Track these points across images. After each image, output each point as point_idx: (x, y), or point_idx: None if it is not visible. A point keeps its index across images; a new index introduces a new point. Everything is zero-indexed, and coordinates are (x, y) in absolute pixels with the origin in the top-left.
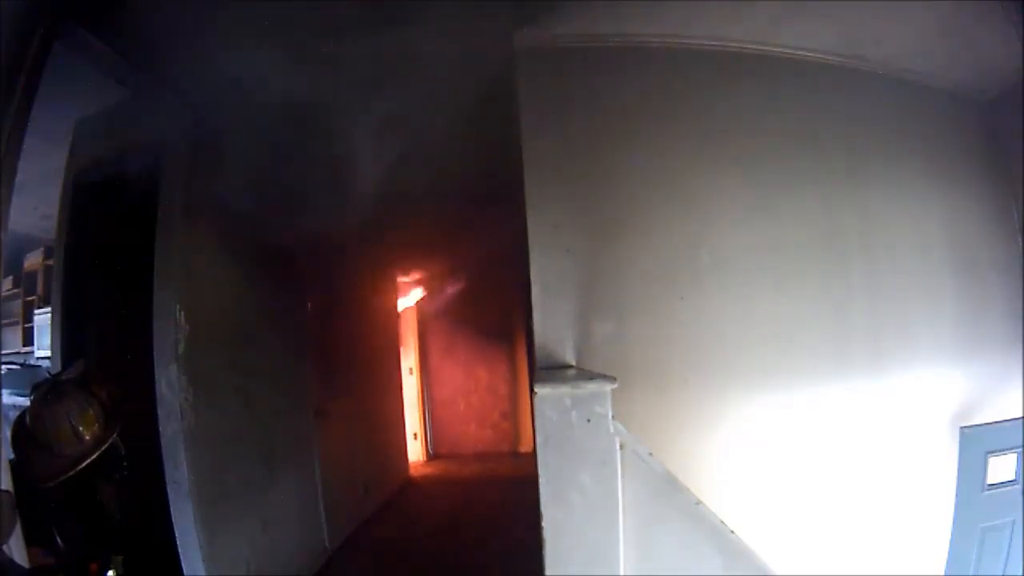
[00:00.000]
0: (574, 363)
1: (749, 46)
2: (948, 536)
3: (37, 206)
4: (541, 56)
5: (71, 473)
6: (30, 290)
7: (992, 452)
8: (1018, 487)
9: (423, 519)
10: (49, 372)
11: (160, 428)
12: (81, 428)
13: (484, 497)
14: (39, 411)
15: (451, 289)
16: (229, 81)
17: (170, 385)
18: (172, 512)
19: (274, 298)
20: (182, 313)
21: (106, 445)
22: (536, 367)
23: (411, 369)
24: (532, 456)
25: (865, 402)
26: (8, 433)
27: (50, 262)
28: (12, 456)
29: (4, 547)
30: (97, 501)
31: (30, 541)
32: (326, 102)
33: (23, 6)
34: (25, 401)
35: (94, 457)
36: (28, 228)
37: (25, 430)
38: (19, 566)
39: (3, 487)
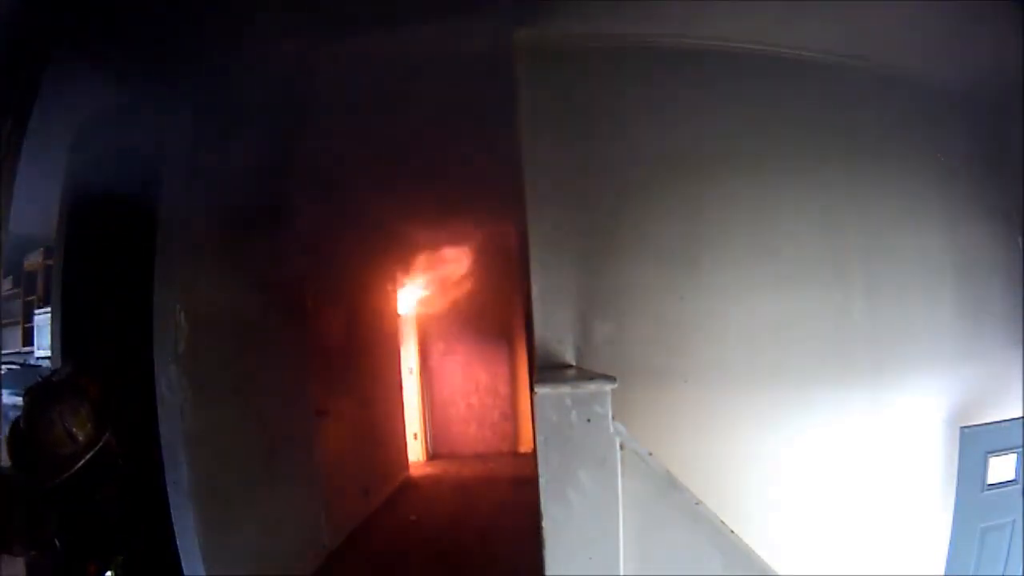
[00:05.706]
0: (574, 363)
1: (749, 46)
2: (948, 536)
3: (37, 206)
4: (541, 56)
5: (68, 474)
6: (30, 290)
7: (992, 452)
8: (1018, 487)
9: (423, 519)
10: (40, 375)
11: (160, 428)
12: (74, 429)
13: (484, 497)
14: (32, 414)
15: (451, 289)
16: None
17: (170, 385)
18: (172, 512)
19: (274, 298)
20: (182, 313)
21: (100, 443)
22: (536, 367)
23: (411, 369)
24: (532, 456)
25: (865, 401)
26: (5, 438)
27: (50, 262)
28: (10, 461)
29: None
30: (96, 502)
31: (29, 543)
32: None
33: (23, 6)
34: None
35: (89, 456)
36: (28, 228)
37: (20, 433)
38: None
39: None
